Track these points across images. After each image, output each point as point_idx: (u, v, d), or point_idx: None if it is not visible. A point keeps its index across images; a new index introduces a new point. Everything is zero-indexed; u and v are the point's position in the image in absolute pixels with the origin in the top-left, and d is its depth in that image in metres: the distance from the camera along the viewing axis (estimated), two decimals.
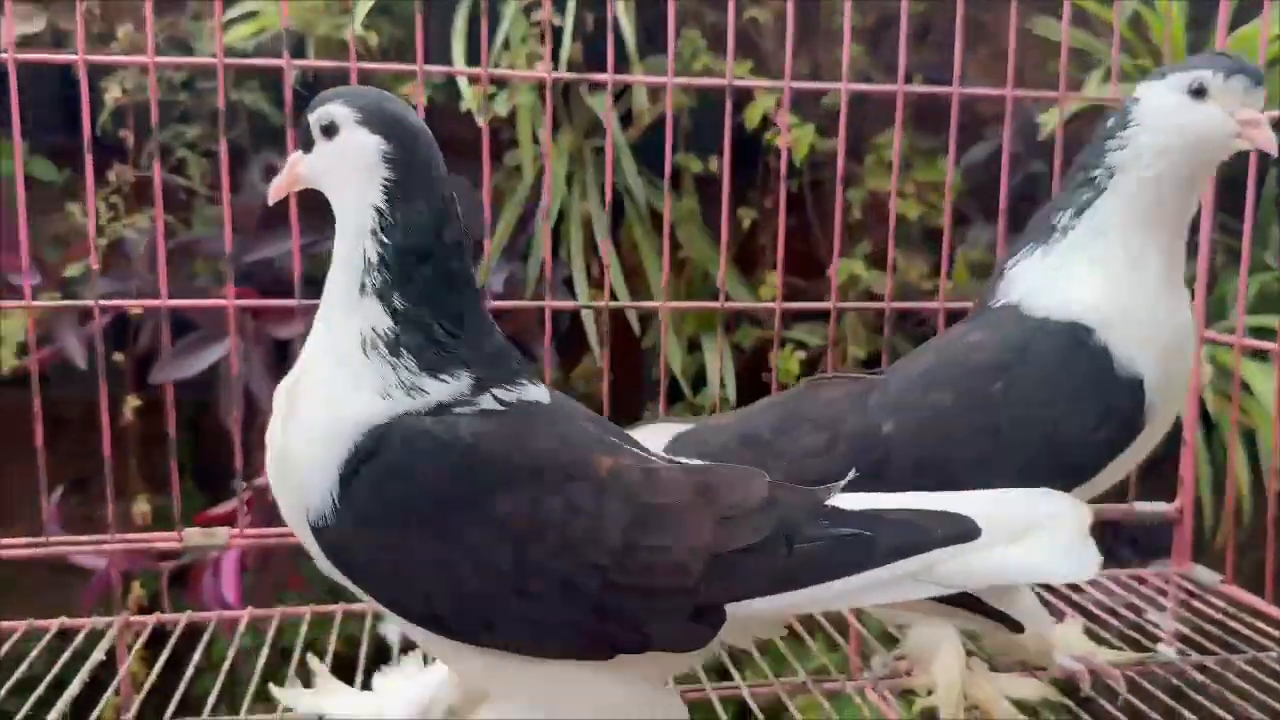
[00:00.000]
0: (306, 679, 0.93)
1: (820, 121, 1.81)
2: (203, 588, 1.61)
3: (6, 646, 1.08)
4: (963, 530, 0.70)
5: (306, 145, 0.78)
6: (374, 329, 0.72)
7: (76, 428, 1.73)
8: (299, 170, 0.79)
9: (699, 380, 1.86)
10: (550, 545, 0.70)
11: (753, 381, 1.86)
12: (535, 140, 1.65)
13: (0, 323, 1.62)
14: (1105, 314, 0.90)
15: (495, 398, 0.73)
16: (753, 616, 0.72)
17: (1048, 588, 1.19)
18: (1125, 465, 0.92)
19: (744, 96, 1.74)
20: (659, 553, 0.70)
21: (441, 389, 0.72)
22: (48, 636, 1.12)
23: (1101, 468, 0.90)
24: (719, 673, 1.08)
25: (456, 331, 0.73)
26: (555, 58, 1.63)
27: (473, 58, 1.57)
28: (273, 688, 0.94)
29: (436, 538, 0.69)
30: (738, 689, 1.03)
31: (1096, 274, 0.91)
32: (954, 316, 1.72)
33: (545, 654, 0.72)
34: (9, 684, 1.01)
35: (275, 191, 0.80)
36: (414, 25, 1.20)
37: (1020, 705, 0.95)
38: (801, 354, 1.79)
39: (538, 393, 0.77)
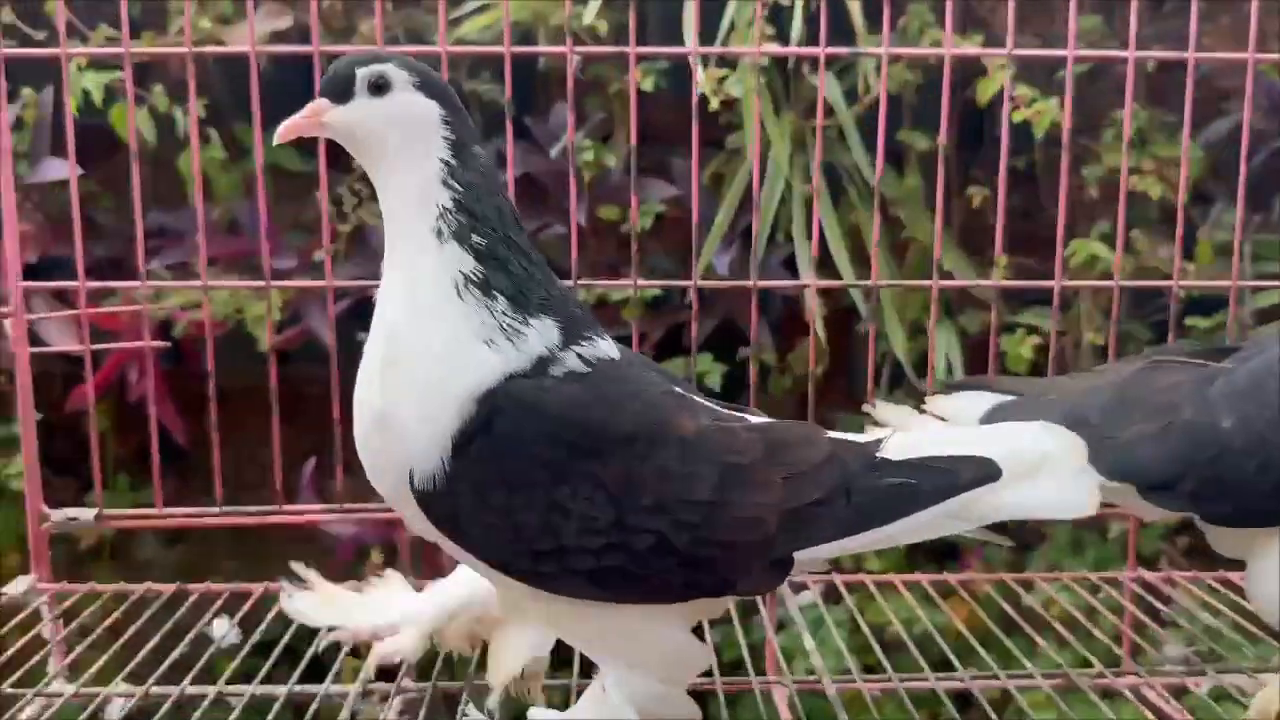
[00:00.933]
0: None
1: (1060, 95, 1.74)
2: (444, 559, 1.69)
3: (247, 605, 1.19)
4: (988, 472, 0.78)
5: (340, 97, 0.81)
6: (461, 272, 0.77)
7: (322, 403, 1.85)
8: (327, 119, 0.82)
9: (921, 366, 1.83)
10: (647, 506, 0.76)
11: (979, 368, 1.82)
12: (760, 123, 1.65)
13: (257, 305, 1.73)
14: None
15: (580, 356, 0.79)
16: (816, 559, 0.81)
17: None
18: None
19: (975, 70, 1.69)
20: (741, 508, 0.77)
21: (536, 336, 0.78)
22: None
23: None
24: (943, 664, 1.07)
25: (533, 270, 0.79)
26: (784, 37, 1.63)
27: (705, 42, 1.59)
28: (285, 602, 1.02)
29: (544, 504, 0.75)
30: (962, 681, 1.01)
31: None
32: (1191, 300, 1.65)
33: (636, 601, 0.79)
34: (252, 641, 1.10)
35: (286, 131, 0.82)
36: (642, 11, 1.22)
37: None
38: (1035, 339, 1.74)
39: (608, 347, 0.82)
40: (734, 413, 0.86)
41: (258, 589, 1.22)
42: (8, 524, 1.54)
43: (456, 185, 0.78)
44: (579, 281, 1.28)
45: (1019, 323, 1.80)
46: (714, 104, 1.58)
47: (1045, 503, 0.80)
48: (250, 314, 1.72)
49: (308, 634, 1.06)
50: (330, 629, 0.99)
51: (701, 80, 1.59)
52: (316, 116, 0.82)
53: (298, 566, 1.03)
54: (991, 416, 0.95)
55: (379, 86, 0.80)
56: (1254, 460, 0.84)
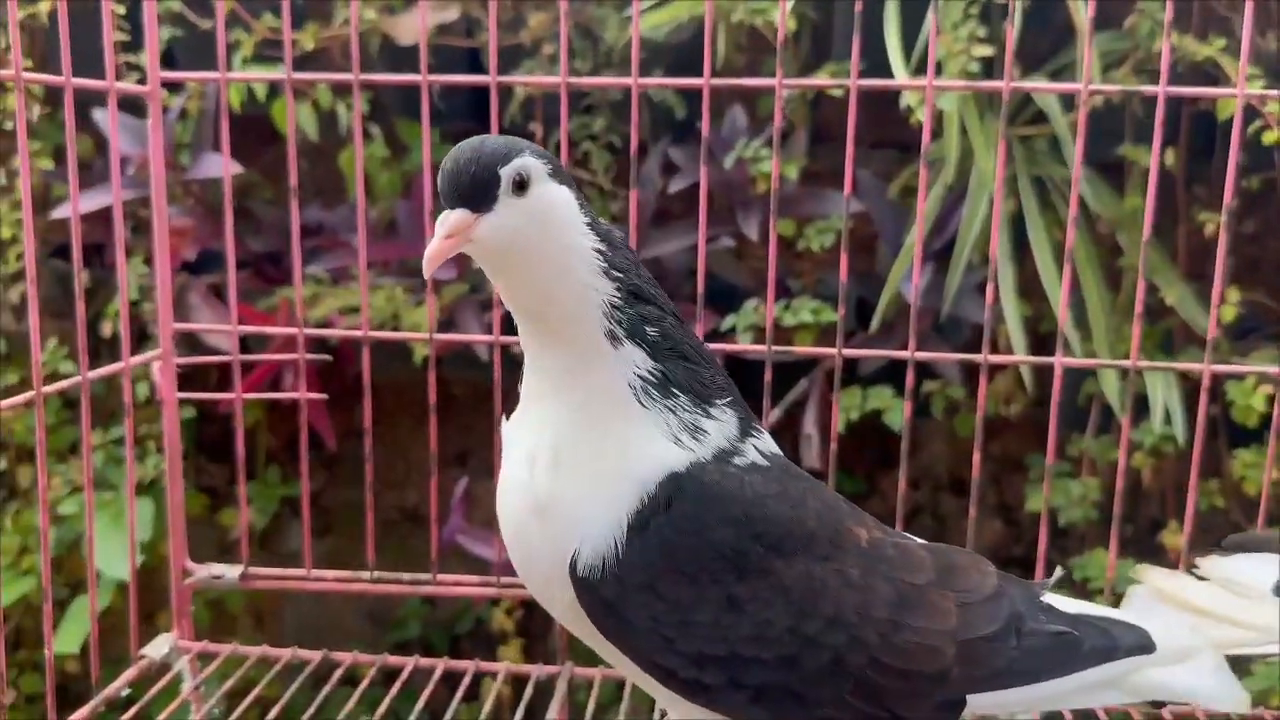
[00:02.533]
0: None
1: None
2: None
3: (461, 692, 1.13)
4: (1143, 643, 0.75)
5: (482, 203, 0.69)
6: (638, 374, 0.70)
7: (474, 406, 1.80)
8: (478, 235, 0.69)
9: (1139, 412, 1.64)
10: (826, 619, 0.70)
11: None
12: (963, 132, 1.50)
13: (414, 312, 1.68)
14: None
15: (758, 449, 0.73)
16: (986, 708, 0.74)
17: None
18: None
19: (1214, 78, 1.50)
20: (919, 634, 0.71)
21: (717, 426, 0.72)
22: (498, 682, 1.16)
23: None
24: None
25: (699, 349, 0.72)
26: (994, 38, 1.47)
27: (907, 45, 1.45)
28: None
29: (720, 600, 0.68)
30: None
31: None
32: None
33: None
34: None
35: (435, 258, 0.69)
36: (836, 10, 1.10)
37: None
38: (1268, 388, 1.53)
39: (770, 441, 0.76)
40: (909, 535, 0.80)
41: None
42: (150, 580, 1.53)
43: (617, 274, 0.70)
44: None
45: (1249, 369, 1.59)
46: (917, 115, 1.44)
47: (1200, 689, 0.76)
48: (407, 321, 1.67)
49: None
50: None
51: (909, 97, 1.44)
52: (464, 234, 0.69)
53: None
54: None
55: (521, 184, 0.70)
56: None
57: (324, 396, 1.31)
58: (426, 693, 1.11)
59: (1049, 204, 1.63)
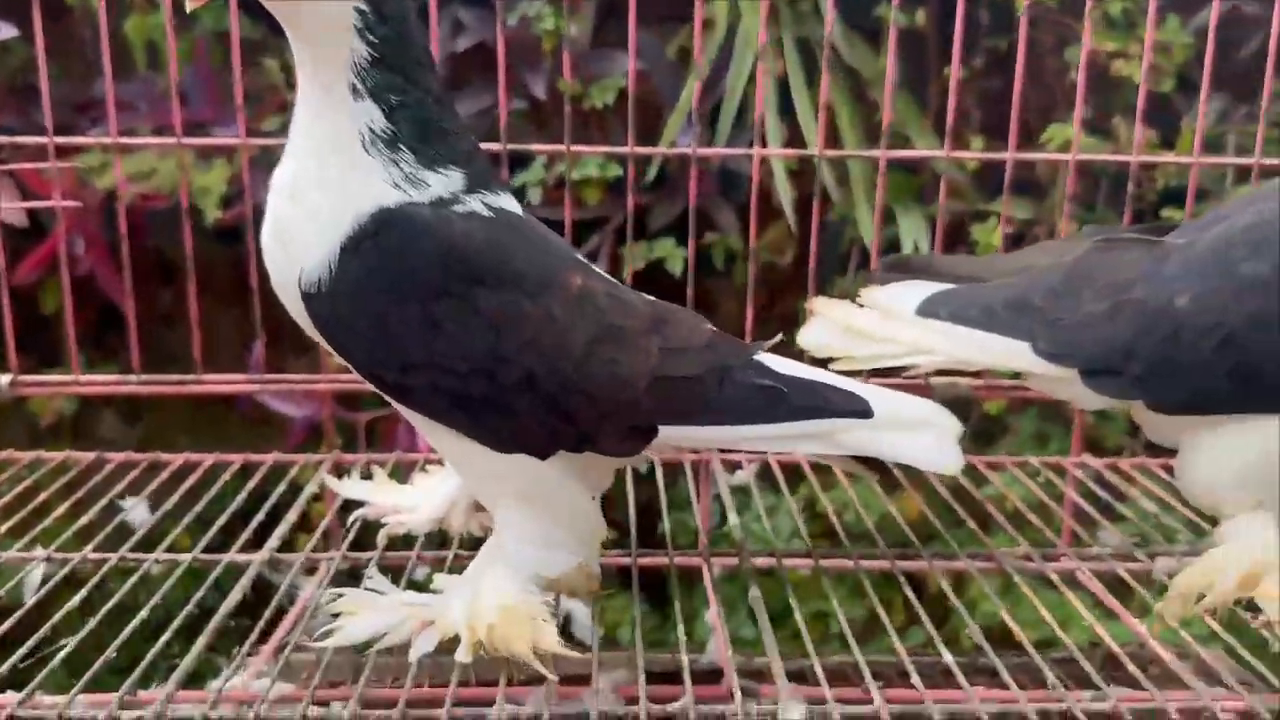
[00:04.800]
0: None
1: None
2: (397, 438, 1.71)
3: (224, 478, 1.20)
4: (860, 409, 0.85)
5: None
6: (371, 128, 0.79)
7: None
8: None
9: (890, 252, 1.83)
10: (521, 343, 0.79)
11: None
12: None
13: (204, 176, 1.70)
14: None
15: (483, 203, 0.82)
16: (680, 439, 0.86)
17: None
18: None
19: None
20: (612, 365, 0.81)
21: (440, 182, 0.80)
22: (262, 470, 1.23)
23: None
24: (902, 545, 1.08)
25: (449, 127, 0.81)
26: None
27: None
28: (326, 477, 1.13)
29: (421, 317, 0.78)
30: (923, 563, 1.02)
31: None
32: (1169, 190, 1.63)
33: (500, 442, 0.82)
34: (225, 517, 1.10)
35: None
36: None
37: None
38: (1007, 229, 1.73)
39: (512, 204, 0.85)
40: (633, 290, 0.89)
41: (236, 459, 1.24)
42: None
43: (373, 36, 0.77)
44: (570, 148, 1.26)
45: (991, 210, 1.79)
46: None
47: (912, 450, 0.86)
48: (197, 185, 1.69)
49: (252, 507, 1.11)
50: (358, 505, 1.06)
51: None
52: None
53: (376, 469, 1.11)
54: (929, 306, 0.93)
55: None
56: (1211, 338, 0.81)
57: (78, 205, 1.34)
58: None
59: (814, 64, 1.76)
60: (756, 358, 0.86)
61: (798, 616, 0.89)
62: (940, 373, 1.25)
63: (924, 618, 0.90)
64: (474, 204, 0.81)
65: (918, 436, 0.87)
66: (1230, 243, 0.83)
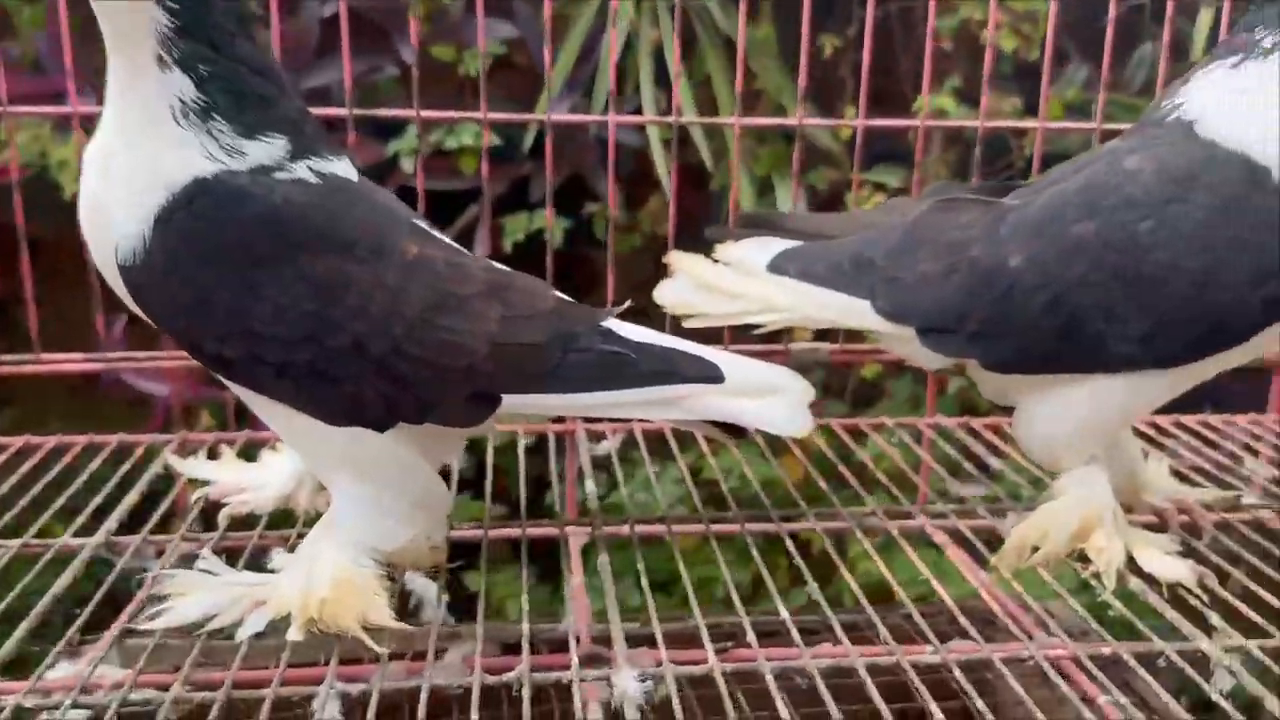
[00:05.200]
0: None
1: None
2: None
3: (67, 458, 1.15)
4: (710, 375, 0.84)
5: None
6: (182, 99, 0.76)
7: None
8: None
9: None
10: (349, 308, 0.77)
11: None
12: None
13: (62, 148, 1.65)
14: None
15: (311, 169, 0.79)
16: (524, 407, 0.84)
17: (1142, 437, 1.19)
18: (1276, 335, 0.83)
19: None
20: (448, 332, 0.79)
21: (261, 150, 0.77)
22: (106, 450, 1.17)
23: (1256, 332, 0.82)
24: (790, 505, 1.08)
25: (269, 94, 0.78)
26: None
27: None
28: (170, 457, 1.11)
29: (238, 284, 0.76)
30: (808, 524, 1.02)
31: None
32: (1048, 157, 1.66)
33: (333, 414, 0.80)
34: (64, 498, 1.06)
35: None
36: None
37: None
38: (879, 197, 1.75)
39: (347, 169, 0.83)
40: (479, 257, 0.88)
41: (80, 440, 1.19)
42: None
43: (173, 4, 0.74)
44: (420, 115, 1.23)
45: (867, 179, 1.80)
46: None
47: (763, 415, 0.86)
48: (56, 158, 1.64)
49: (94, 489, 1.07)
50: (203, 484, 1.02)
51: None
52: None
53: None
54: (779, 262, 0.92)
55: None
56: (1041, 297, 0.83)
57: None
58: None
59: (691, 32, 1.76)
60: (604, 324, 0.85)
61: (685, 581, 0.89)
62: (816, 335, 1.26)
63: (808, 577, 0.90)
64: (300, 170, 0.78)
65: (769, 401, 0.86)
66: (1062, 204, 0.84)
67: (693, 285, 0.96)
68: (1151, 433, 1.22)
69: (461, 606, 1.06)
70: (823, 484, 1.11)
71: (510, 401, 0.83)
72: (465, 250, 0.87)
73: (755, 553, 0.95)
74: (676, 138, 1.31)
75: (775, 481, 1.25)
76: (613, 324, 0.85)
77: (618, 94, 1.76)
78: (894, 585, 0.90)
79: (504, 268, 0.87)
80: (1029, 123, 1.29)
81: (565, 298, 0.86)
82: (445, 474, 0.95)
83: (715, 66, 1.79)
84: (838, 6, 1.88)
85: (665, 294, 0.97)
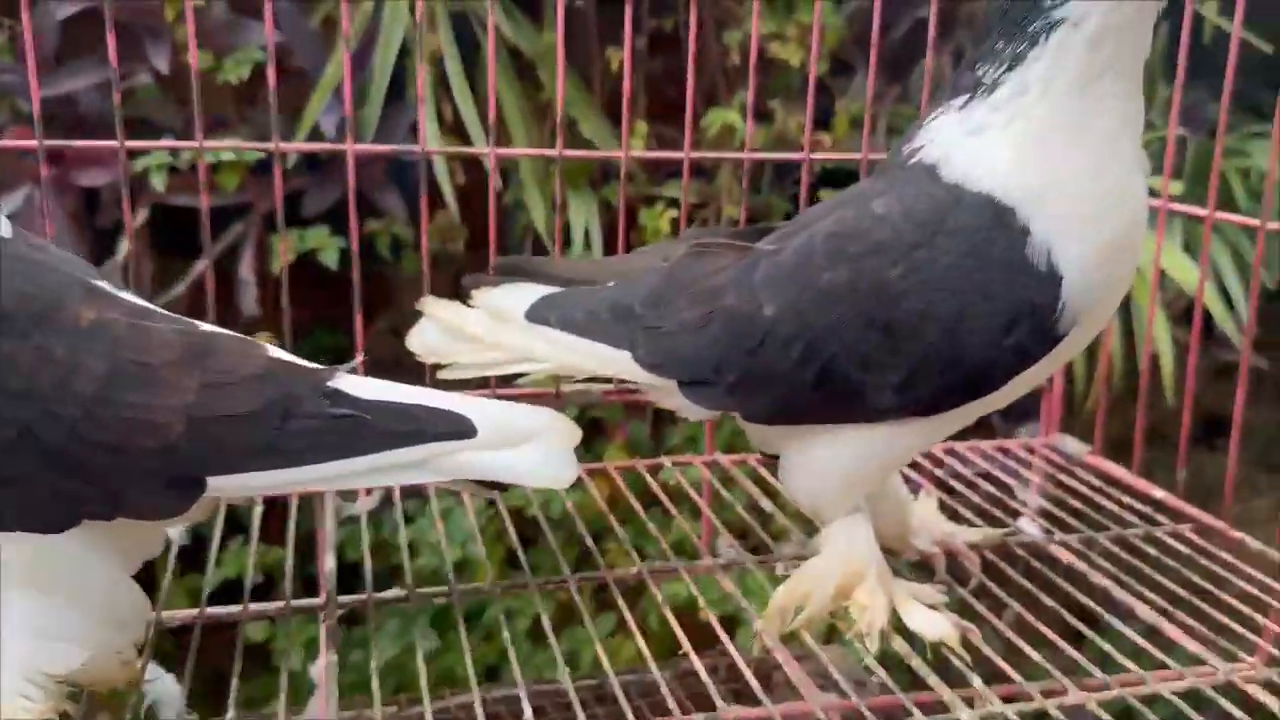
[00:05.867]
0: None
1: None
2: None
3: None
4: (460, 429, 0.75)
5: None
6: None
7: None
8: None
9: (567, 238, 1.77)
10: (9, 393, 0.66)
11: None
12: None
13: None
14: (1033, 190, 0.77)
15: None
16: (238, 488, 0.73)
17: (913, 466, 1.17)
18: (1038, 376, 0.82)
19: None
20: (135, 409, 0.69)
21: None
22: None
23: (1010, 378, 0.80)
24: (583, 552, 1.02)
25: None
26: None
27: None
28: None
29: None
30: (601, 575, 0.98)
31: (1028, 141, 0.78)
32: (826, 172, 1.67)
33: (3, 518, 0.69)
34: None
35: None
36: None
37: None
38: (673, 212, 1.71)
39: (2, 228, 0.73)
40: (177, 317, 0.76)
41: None
42: None
43: None
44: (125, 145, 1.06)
45: (659, 195, 1.76)
46: None
47: (522, 468, 0.78)
48: None
49: None
50: None
51: None
52: None
53: None
54: (538, 310, 0.86)
55: None
56: (797, 348, 0.79)
57: None
58: None
59: (473, 41, 1.67)
60: (333, 384, 0.74)
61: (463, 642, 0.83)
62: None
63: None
64: None
65: (527, 452, 0.78)
66: (812, 251, 0.80)
67: (446, 333, 0.89)
68: (924, 461, 1.20)
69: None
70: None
71: (218, 484, 0.71)
72: (159, 309, 0.76)
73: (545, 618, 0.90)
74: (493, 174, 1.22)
75: (584, 503, 1.19)
76: (345, 382, 0.75)
77: (398, 98, 1.68)
78: (683, 640, 0.86)
79: (206, 327, 0.76)
80: (796, 155, 1.26)
81: (284, 356, 0.76)
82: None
83: (502, 79, 1.71)
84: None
85: (416, 341, 0.90)
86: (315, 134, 1.58)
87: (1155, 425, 1.26)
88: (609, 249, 1.73)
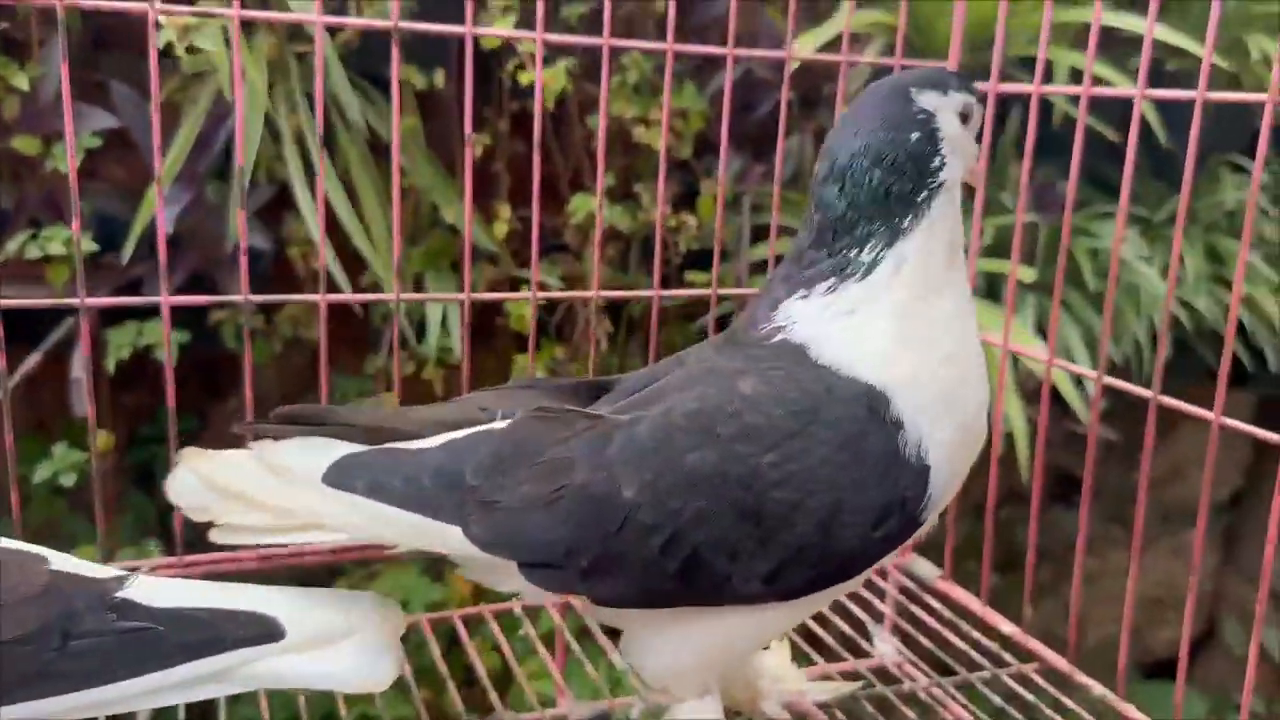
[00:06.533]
0: None
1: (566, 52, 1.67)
2: None
3: None
4: (266, 632, 0.71)
5: None
6: None
7: None
8: None
9: (422, 326, 1.70)
10: None
11: (485, 326, 1.72)
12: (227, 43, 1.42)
13: None
14: (905, 377, 0.76)
15: None
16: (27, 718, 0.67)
17: None
18: (892, 558, 0.82)
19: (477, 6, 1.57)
20: None
21: None
22: None
23: (872, 565, 0.79)
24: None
25: None
26: None
27: None
28: None
29: None
30: None
31: (903, 321, 0.77)
32: (691, 253, 1.64)
33: None
34: None
35: None
36: None
37: None
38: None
39: None
40: None
41: None
42: None
43: None
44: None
45: (524, 278, 1.71)
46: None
47: (333, 673, 0.73)
48: None
49: None
50: None
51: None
52: None
53: None
54: (339, 473, 0.75)
55: None
56: (661, 534, 0.73)
57: None
58: None
59: (329, 124, 1.60)
60: (122, 594, 0.69)
61: None
62: None
63: None
64: None
65: (345, 651, 0.72)
66: (673, 429, 0.74)
67: (212, 489, 0.77)
68: None
69: None
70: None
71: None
72: None
73: None
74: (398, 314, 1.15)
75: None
76: (137, 589, 0.70)
77: (252, 184, 1.59)
78: None
79: None
80: (646, 292, 1.25)
81: (68, 569, 0.69)
82: None
83: (356, 159, 1.64)
84: (491, 98, 1.79)
85: (174, 493, 0.77)
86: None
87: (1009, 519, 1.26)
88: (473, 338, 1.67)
